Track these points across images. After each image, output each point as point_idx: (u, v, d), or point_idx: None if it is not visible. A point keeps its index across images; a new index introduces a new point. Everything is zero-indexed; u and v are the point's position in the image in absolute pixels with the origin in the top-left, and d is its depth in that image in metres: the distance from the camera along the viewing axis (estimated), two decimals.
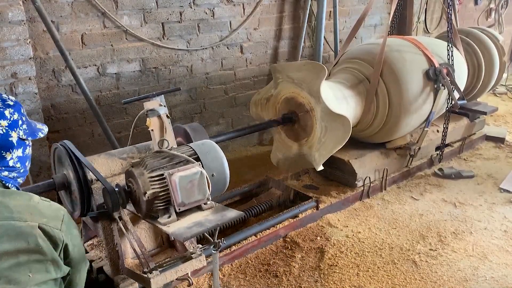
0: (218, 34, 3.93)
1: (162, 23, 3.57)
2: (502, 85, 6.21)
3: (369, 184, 3.43)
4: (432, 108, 3.50)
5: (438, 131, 3.94)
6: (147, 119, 2.22)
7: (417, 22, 5.39)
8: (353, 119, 3.27)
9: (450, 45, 3.52)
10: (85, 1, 3.18)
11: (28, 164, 1.49)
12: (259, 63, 4.32)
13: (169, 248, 2.43)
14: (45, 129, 1.57)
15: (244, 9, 4.02)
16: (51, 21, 3.01)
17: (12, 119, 1.39)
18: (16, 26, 2.79)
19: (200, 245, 2.11)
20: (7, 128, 1.37)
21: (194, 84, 3.92)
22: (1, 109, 1.37)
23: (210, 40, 3.89)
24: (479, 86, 4.23)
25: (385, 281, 2.54)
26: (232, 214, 1.91)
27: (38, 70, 3.08)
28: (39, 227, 1.29)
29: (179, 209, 1.88)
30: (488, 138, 4.53)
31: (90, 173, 2.06)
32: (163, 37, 3.61)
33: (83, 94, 3.16)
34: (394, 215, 3.23)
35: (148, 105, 2.24)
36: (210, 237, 1.99)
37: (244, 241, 2.77)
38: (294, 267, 2.67)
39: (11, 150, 1.39)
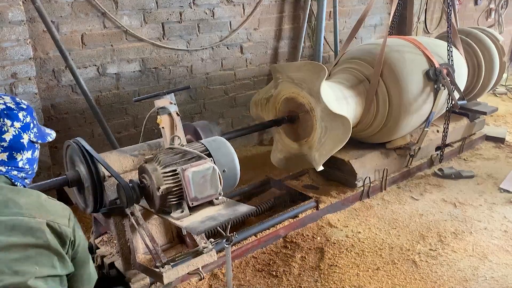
0: (218, 34, 3.93)
1: (162, 23, 3.58)
2: (502, 85, 6.21)
3: (369, 184, 3.43)
4: (432, 108, 3.50)
5: (438, 131, 3.94)
6: (158, 116, 2.27)
7: (417, 22, 5.39)
8: (353, 119, 3.27)
9: (450, 45, 3.52)
10: (85, 1, 3.18)
11: (35, 167, 1.54)
12: (259, 63, 4.32)
13: (179, 244, 2.47)
14: (53, 134, 1.61)
15: (244, 9, 4.02)
16: (51, 21, 3.01)
17: (24, 121, 1.43)
18: (16, 26, 2.79)
19: (212, 239, 2.14)
20: (19, 130, 1.41)
21: (194, 84, 3.92)
22: (15, 112, 1.41)
23: (210, 40, 3.89)
24: (479, 86, 4.23)
25: (385, 281, 2.54)
26: (244, 208, 1.95)
27: (38, 70, 3.08)
28: (47, 224, 1.33)
29: (192, 203, 1.92)
30: (488, 138, 4.53)
31: (103, 169, 2.10)
32: (163, 37, 3.61)
33: (83, 94, 3.16)
34: (394, 215, 3.23)
35: (159, 103, 2.29)
36: (222, 231, 2.04)
37: (244, 241, 2.77)
38: (294, 267, 2.67)
39: (21, 152, 1.43)
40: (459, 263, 2.68)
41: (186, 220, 1.91)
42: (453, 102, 3.54)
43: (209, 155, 2.03)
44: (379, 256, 2.76)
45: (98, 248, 2.50)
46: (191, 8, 3.68)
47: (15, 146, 1.40)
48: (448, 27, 3.60)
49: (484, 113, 4.32)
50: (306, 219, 3.07)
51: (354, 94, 3.27)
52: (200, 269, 2.14)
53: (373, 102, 3.32)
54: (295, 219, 3.02)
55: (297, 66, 3.08)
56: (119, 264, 2.37)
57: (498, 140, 4.49)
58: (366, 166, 3.47)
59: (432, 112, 3.51)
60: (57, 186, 2.19)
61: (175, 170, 1.92)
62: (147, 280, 2.30)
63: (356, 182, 3.40)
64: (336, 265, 2.67)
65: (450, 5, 3.59)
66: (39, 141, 1.51)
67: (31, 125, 1.46)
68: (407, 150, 3.68)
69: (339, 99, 3.13)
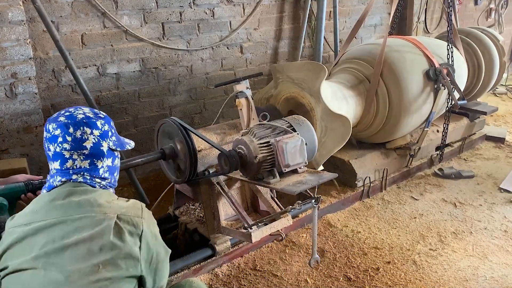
0: (218, 34, 3.93)
1: (162, 23, 3.57)
2: (502, 85, 6.22)
3: (369, 184, 3.43)
4: (432, 108, 3.50)
5: (438, 131, 3.95)
6: (236, 99, 2.66)
7: (417, 22, 5.38)
8: (353, 119, 3.27)
9: (450, 45, 3.52)
10: (85, 1, 3.18)
11: (116, 175, 1.57)
12: (259, 63, 4.32)
13: (253, 212, 2.89)
14: (132, 143, 1.65)
15: (244, 9, 4.02)
16: (51, 21, 3.01)
17: (103, 129, 1.48)
18: (16, 26, 2.79)
19: (299, 201, 2.37)
20: (99, 137, 1.46)
21: (194, 84, 3.92)
22: (94, 120, 1.46)
23: (210, 40, 3.89)
24: (479, 86, 4.23)
25: (385, 281, 2.54)
26: (328, 175, 2.31)
27: (38, 70, 3.08)
28: (118, 217, 1.35)
29: (285, 170, 2.22)
30: (488, 138, 4.53)
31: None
32: (163, 37, 3.61)
33: (83, 94, 3.16)
34: (394, 215, 3.23)
35: (238, 87, 2.66)
36: (311, 194, 2.30)
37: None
38: (294, 266, 2.67)
39: (101, 159, 1.47)
40: (459, 263, 2.68)
41: (279, 184, 2.21)
42: (453, 102, 3.54)
43: (294, 130, 2.34)
44: (379, 256, 2.76)
45: (178, 217, 2.83)
46: (191, 8, 3.68)
47: (96, 153, 1.45)
48: (448, 27, 3.60)
49: (484, 113, 4.32)
50: (306, 219, 3.07)
51: (354, 94, 3.27)
52: (281, 230, 2.50)
53: (373, 102, 3.32)
54: (295, 219, 3.02)
55: (297, 66, 3.08)
56: (202, 229, 2.69)
57: (498, 140, 4.49)
58: (366, 166, 3.47)
59: (432, 112, 3.51)
60: (155, 160, 2.48)
61: (269, 142, 2.23)
62: (229, 242, 2.63)
63: (356, 182, 3.40)
64: (335, 265, 2.68)
65: (450, 5, 3.59)
66: (119, 149, 1.54)
67: (110, 133, 1.50)
68: (407, 150, 3.68)
69: (339, 99, 3.13)
